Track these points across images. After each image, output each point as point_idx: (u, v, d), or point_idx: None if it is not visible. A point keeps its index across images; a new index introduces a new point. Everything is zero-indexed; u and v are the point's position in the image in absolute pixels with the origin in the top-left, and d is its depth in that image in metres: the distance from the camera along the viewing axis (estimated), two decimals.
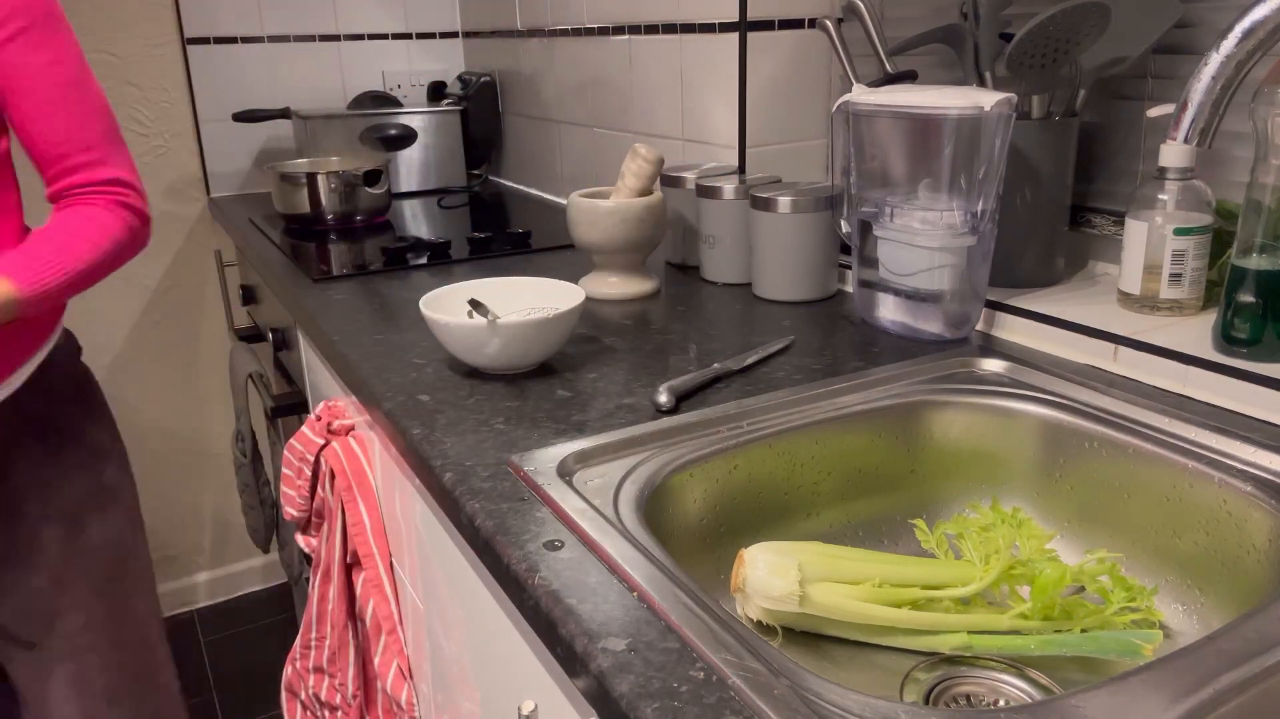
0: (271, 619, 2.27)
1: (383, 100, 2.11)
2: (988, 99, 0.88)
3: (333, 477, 1.12)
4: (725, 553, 0.79)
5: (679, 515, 0.76)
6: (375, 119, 1.95)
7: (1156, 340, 0.86)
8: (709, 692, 0.50)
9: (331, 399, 1.20)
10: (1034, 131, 0.99)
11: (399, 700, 1.08)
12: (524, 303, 1.00)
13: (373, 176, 1.68)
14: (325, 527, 1.16)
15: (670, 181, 1.30)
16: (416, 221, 1.74)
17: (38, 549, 1.12)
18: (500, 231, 1.51)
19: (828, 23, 1.12)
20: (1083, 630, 0.68)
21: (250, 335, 1.86)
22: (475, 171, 2.17)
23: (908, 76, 1.08)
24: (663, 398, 0.84)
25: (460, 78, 2.17)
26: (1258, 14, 0.63)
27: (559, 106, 1.83)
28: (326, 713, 1.25)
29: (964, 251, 0.94)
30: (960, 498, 0.88)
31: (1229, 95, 0.64)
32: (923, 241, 0.95)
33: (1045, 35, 0.92)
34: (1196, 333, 0.87)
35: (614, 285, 1.18)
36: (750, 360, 0.94)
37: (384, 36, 2.19)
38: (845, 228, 1.07)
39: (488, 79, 2.09)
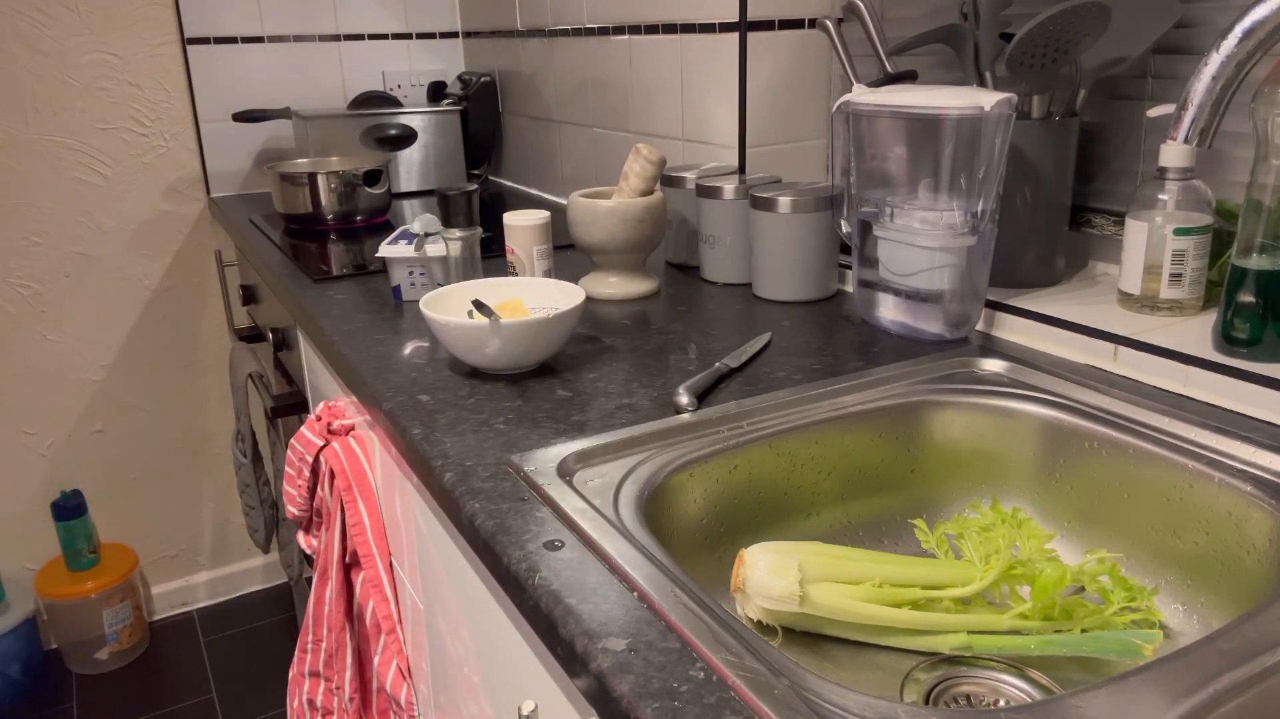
0: (271, 619, 2.27)
1: (383, 100, 2.11)
2: (988, 99, 0.88)
3: (332, 477, 1.12)
4: (725, 553, 0.79)
5: (679, 515, 0.76)
6: (375, 119, 1.95)
7: (1156, 340, 0.86)
8: (709, 692, 0.50)
9: (331, 399, 1.20)
10: (1034, 131, 0.99)
11: (398, 700, 1.08)
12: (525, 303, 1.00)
13: (373, 176, 1.68)
14: (324, 527, 1.16)
15: (670, 181, 1.30)
16: None
17: None
18: (500, 231, 1.51)
19: (828, 23, 1.12)
20: (1083, 630, 0.68)
21: (250, 335, 1.86)
22: (475, 171, 2.17)
23: (908, 76, 1.08)
24: (684, 398, 0.83)
25: (460, 78, 2.17)
26: (1258, 14, 0.63)
27: (559, 106, 1.83)
28: (322, 717, 1.25)
29: (964, 251, 0.94)
30: (960, 498, 0.88)
31: (1229, 95, 0.64)
32: (923, 241, 0.95)
33: (1045, 35, 0.92)
34: (1196, 333, 0.87)
35: (614, 285, 1.18)
36: (746, 357, 0.94)
37: (384, 36, 2.19)
38: (845, 228, 1.07)
39: (488, 79, 2.09)
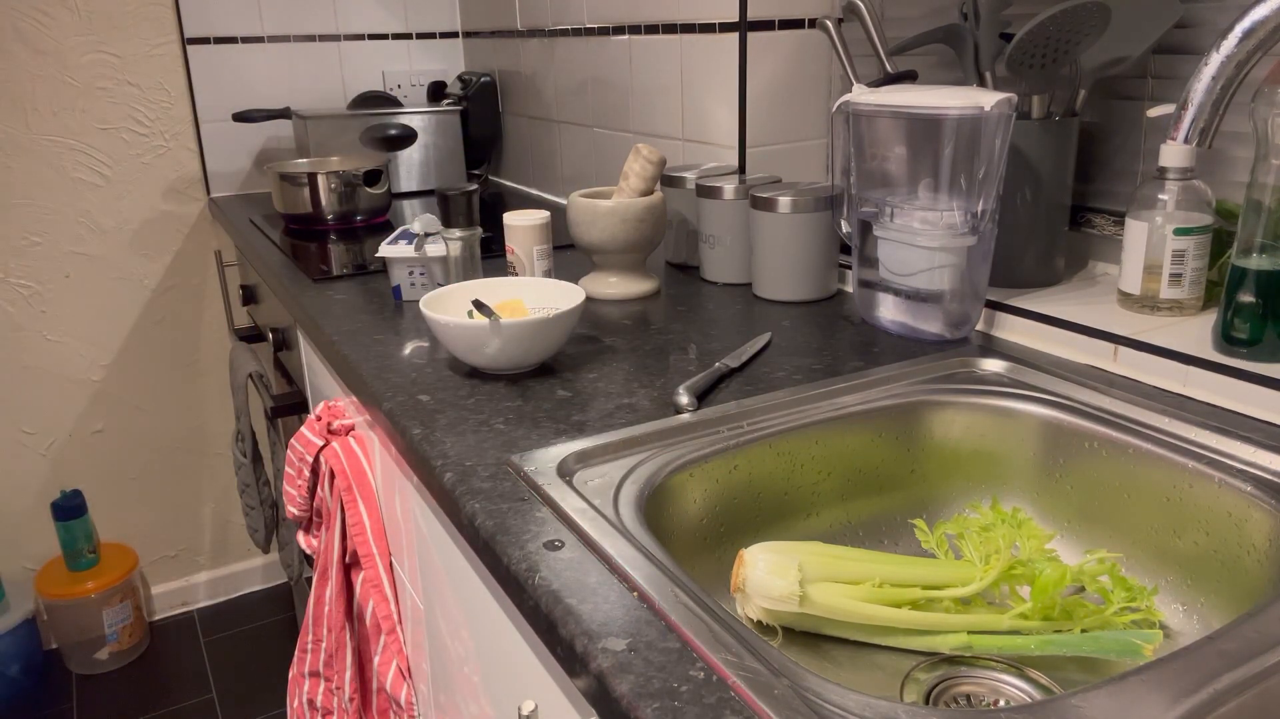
0: (271, 619, 2.27)
1: (383, 100, 2.11)
2: (988, 99, 0.88)
3: (332, 477, 1.12)
4: (725, 553, 0.79)
5: (679, 515, 0.76)
6: (375, 119, 1.95)
7: (1156, 340, 0.86)
8: (709, 692, 0.50)
9: (331, 399, 1.20)
10: (1034, 131, 0.99)
11: (399, 700, 1.08)
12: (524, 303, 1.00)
13: (373, 176, 1.68)
14: (324, 527, 1.16)
15: (670, 181, 1.30)
16: None
17: None
18: (500, 231, 1.51)
19: (828, 23, 1.12)
20: (1083, 630, 0.68)
21: (250, 335, 1.86)
22: (475, 171, 2.17)
23: (908, 76, 1.08)
24: (684, 398, 0.83)
25: (460, 78, 2.17)
26: (1258, 14, 0.63)
27: (559, 106, 1.83)
28: (322, 717, 1.25)
29: (964, 251, 0.94)
30: (960, 498, 0.88)
31: (1229, 95, 0.64)
32: (923, 241, 0.95)
33: (1045, 35, 0.92)
34: (1196, 333, 0.87)
35: (614, 285, 1.18)
36: (746, 357, 0.94)
37: (384, 36, 2.19)
38: (845, 228, 1.07)
39: (488, 79, 2.09)
